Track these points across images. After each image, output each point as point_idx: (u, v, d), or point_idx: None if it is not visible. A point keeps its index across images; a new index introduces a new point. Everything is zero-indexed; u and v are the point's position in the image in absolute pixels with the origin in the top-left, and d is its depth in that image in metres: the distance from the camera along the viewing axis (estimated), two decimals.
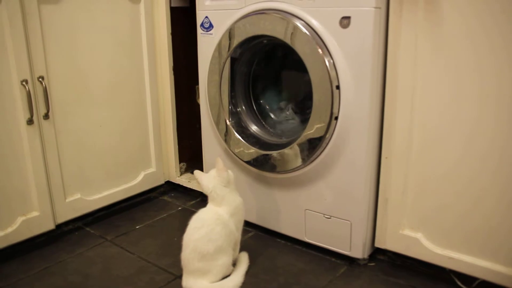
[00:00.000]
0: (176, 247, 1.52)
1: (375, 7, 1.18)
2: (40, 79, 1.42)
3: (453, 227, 1.21)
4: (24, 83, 1.38)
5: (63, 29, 1.48)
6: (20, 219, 1.44)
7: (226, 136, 1.56)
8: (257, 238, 1.57)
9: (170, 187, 2.00)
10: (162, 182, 1.95)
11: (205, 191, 1.33)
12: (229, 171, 1.35)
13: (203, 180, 1.33)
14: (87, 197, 1.64)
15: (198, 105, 1.94)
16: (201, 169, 1.84)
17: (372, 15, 1.19)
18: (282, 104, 1.64)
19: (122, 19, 1.66)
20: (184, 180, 1.94)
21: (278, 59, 1.63)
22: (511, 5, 1.02)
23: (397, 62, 1.22)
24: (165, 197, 1.94)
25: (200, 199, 1.89)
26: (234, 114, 1.56)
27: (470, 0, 1.07)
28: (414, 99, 1.21)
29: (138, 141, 1.82)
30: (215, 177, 1.31)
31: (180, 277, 1.32)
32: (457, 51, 1.11)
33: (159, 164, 1.91)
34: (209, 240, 1.24)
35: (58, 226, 1.57)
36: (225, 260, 1.28)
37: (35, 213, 1.48)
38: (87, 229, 1.65)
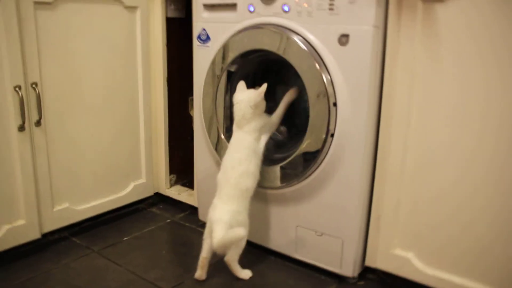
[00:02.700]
0: (164, 260, 1.50)
1: (374, 26, 1.20)
2: (34, 86, 1.40)
3: (445, 248, 1.21)
4: (17, 89, 1.35)
5: (58, 35, 1.47)
6: (5, 227, 1.40)
7: (219, 148, 1.55)
8: (247, 254, 1.54)
9: (158, 199, 1.98)
10: (151, 193, 1.93)
11: (234, 101, 1.39)
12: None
13: (240, 93, 1.39)
14: (76, 206, 1.61)
15: (190, 117, 1.93)
16: (192, 182, 1.84)
17: (371, 34, 1.20)
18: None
19: (118, 27, 1.66)
20: (173, 192, 1.92)
21: (274, 74, 1.64)
22: (503, 33, 1.04)
23: (394, 81, 1.23)
24: (154, 209, 1.91)
25: (189, 212, 1.87)
26: (228, 127, 1.55)
27: (467, 21, 1.09)
28: (410, 119, 1.21)
29: (129, 151, 1.80)
30: (250, 94, 1.36)
31: None
32: (454, 71, 1.13)
33: (149, 175, 1.89)
34: (248, 176, 1.34)
35: (44, 236, 1.53)
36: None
37: (21, 222, 1.44)
38: (74, 239, 1.62)
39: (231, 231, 1.25)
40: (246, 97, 1.36)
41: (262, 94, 1.35)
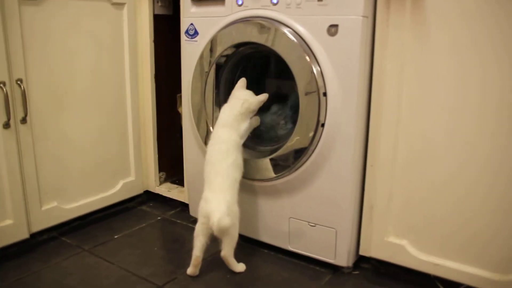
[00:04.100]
0: (156, 256, 1.49)
1: (363, 16, 1.20)
2: (19, 82, 1.38)
3: (440, 235, 1.22)
4: (1, 85, 1.33)
5: (44, 31, 1.44)
6: None
7: (208, 142, 1.54)
8: (240, 248, 1.53)
9: (148, 196, 1.96)
10: (141, 191, 1.91)
11: (234, 96, 1.42)
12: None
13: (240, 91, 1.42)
14: (64, 205, 1.58)
15: (179, 114, 1.92)
16: (182, 180, 1.82)
17: (360, 24, 1.20)
18: (267, 111, 1.64)
19: (105, 24, 1.64)
20: (163, 190, 1.90)
21: (264, 66, 1.64)
22: (496, 16, 1.06)
23: (384, 70, 1.23)
24: (144, 207, 1.89)
25: (180, 208, 1.85)
26: None
27: (457, 9, 1.10)
28: (400, 108, 1.22)
29: (117, 149, 1.78)
30: (252, 97, 1.39)
31: (161, 286, 1.28)
32: (447, 58, 1.13)
33: (138, 173, 1.87)
34: (236, 166, 1.35)
35: (33, 236, 1.50)
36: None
37: (8, 222, 1.41)
38: (63, 238, 1.59)
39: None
40: (250, 98, 1.38)
41: (262, 103, 1.40)
